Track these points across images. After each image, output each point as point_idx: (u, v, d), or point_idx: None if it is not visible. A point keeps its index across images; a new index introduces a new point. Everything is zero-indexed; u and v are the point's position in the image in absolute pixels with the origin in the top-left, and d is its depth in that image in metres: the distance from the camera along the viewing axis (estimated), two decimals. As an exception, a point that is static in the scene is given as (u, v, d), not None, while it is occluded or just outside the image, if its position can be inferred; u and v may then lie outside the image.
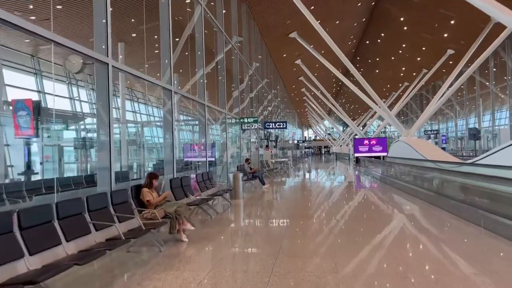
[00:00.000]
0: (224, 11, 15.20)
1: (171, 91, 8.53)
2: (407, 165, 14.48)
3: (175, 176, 8.20)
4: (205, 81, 11.52)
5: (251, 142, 19.96)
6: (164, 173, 8.39)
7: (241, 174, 10.75)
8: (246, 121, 14.79)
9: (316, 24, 17.95)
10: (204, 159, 11.34)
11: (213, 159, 14.28)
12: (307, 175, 21.89)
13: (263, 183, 13.42)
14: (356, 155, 27.95)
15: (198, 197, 8.08)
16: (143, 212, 5.77)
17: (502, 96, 27.34)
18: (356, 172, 23.12)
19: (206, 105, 11.25)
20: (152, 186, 6.10)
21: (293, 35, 23.72)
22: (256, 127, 19.83)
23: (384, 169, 17.69)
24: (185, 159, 13.39)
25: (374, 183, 15.91)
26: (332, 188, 15.57)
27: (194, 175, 9.00)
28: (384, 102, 46.14)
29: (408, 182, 12.48)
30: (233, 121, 14.87)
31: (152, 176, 6.22)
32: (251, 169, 13.66)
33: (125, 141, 14.82)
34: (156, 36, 9.74)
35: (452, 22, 23.99)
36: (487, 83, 27.85)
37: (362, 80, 18.87)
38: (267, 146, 22.29)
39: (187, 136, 20.41)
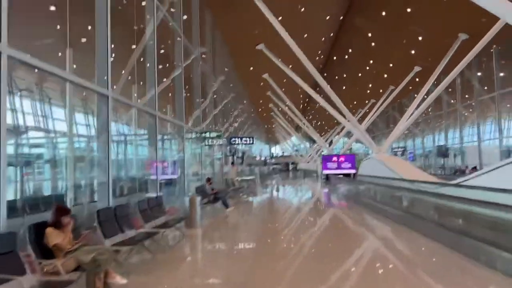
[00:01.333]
0: (185, 17, 13.81)
1: (107, 96, 6.90)
2: (380, 185, 13.43)
3: (110, 204, 6.53)
4: (157, 91, 9.98)
5: (215, 159, 18.39)
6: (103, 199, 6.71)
7: (199, 198, 9.17)
8: (208, 135, 13.29)
9: (284, 33, 16.87)
10: (158, 178, 9.71)
11: (171, 177, 12.62)
12: (275, 194, 20.54)
13: (227, 206, 11.88)
14: (325, 172, 26.96)
15: (140, 231, 6.44)
16: (42, 264, 4.02)
17: (466, 113, 27.37)
18: (326, 190, 22.02)
19: (158, 116, 9.68)
20: (62, 225, 4.41)
21: (260, 47, 22.57)
22: (220, 142, 18.33)
23: (356, 188, 16.62)
24: (140, 178, 11.70)
25: (345, 203, 14.82)
26: (301, 209, 14.28)
27: (138, 201, 7.31)
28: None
29: (382, 203, 11.42)
30: (194, 135, 13.33)
31: (59, 211, 4.40)
32: (213, 190, 12.08)
33: (71, 157, 12.88)
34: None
35: (420, 38, 23.76)
36: (453, 101, 27.84)
37: (333, 94, 17.90)
38: (232, 163, 20.78)
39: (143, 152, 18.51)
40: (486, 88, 23.68)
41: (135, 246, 5.67)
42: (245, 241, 8.21)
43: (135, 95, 12.27)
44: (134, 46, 10.32)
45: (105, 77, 6.97)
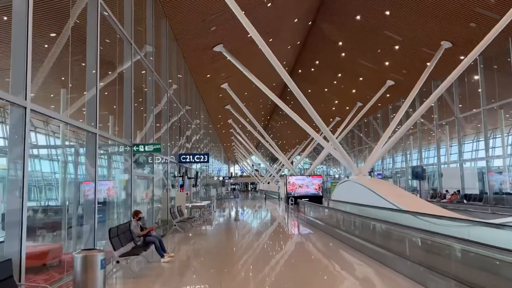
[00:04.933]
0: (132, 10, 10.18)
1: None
2: (366, 217, 10.24)
3: None
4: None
5: (157, 181, 14.47)
6: None
7: (101, 256, 5.28)
8: (142, 149, 9.51)
9: (250, 28, 13.59)
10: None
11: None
12: (233, 224, 16.87)
13: (163, 252, 8.09)
14: (294, 195, 23.68)
15: None
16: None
17: (443, 131, 25.30)
18: (294, 217, 18.62)
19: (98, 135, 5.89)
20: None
21: (219, 48, 19.23)
22: (164, 160, 14.48)
23: (330, 217, 13.40)
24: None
25: (317, 235, 11.64)
26: (266, 244, 10.80)
27: None
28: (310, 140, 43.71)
29: (365, 239, 8.35)
30: (121, 149, 9.50)
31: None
32: (142, 229, 8.25)
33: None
34: None
35: (397, 47, 21.45)
36: (433, 115, 25.75)
37: (308, 106, 14.74)
38: (181, 185, 16.90)
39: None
40: (468, 103, 21.64)
41: None
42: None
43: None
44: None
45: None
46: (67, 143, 9.68)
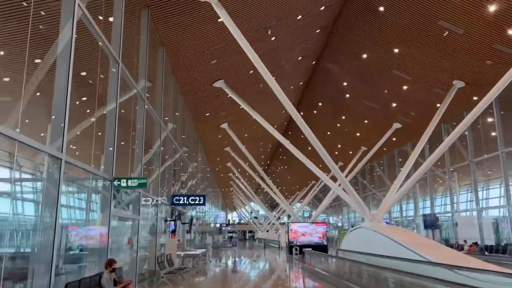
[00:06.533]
0: (111, 19, 9.11)
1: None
2: (389, 269, 8.48)
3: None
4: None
5: (145, 225, 12.73)
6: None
7: None
8: (124, 184, 7.96)
9: (257, 61, 12.51)
10: None
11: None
12: (231, 276, 14.88)
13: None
14: (296, 243, 21.69)
15: None
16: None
17: (456, 177, 23.77)
18: (299, 270, 16.59)
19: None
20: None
21: (219, 84, 18.21)
22: (155, 201, 12.85)
23: (342, 269, 11.55)
24: None
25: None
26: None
27: None
28: (310, 188, 41.58)
29: None
30: (99, 184, 7.95)
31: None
32: (117, 283, 6.50)
33: None
34: None
35: (405, 87, 20.51)
36: (442, 167, 24.32)
37: (316, 141, 13.38)
38: (173, 231, 15.08)
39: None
40: (484, 147, 20.30)
41: None
42: None
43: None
44: None
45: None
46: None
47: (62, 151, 5.69)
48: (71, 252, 10.68)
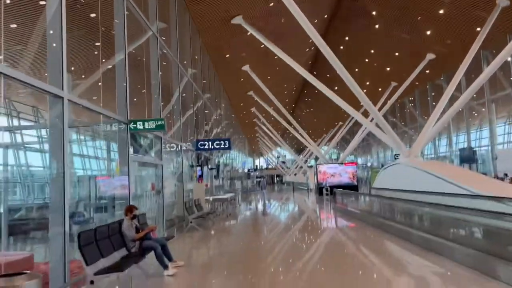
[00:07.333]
0: None
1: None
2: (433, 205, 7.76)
3: None
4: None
5: (169, 170, 12.38)
6: None
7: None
8: (141, 126, 7.37)
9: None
10: None
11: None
12: (261, 219, 14.67)
13: (166, 262, 5.92)
14: (326, 185, 21.23)
15: None
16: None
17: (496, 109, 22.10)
18: (331, 211, 16.21)
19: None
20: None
21: (237, 20, 16.92)
22: (179, 147, 12.37)
23: (379, 207, 10.95)
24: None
25: (367, 231, 9.22)
26: (303, 244, 8.49)
27: None
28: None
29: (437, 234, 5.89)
30: (114, 127, 7.38)
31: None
32: (138, 230, 6.11)
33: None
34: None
35: (442, 11, 18.51)
36: (481, 98, 22.56)
37: (346, 74, 12.26)
38: (200, 176, 14.77)
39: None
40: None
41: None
42: None
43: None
44: None
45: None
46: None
47: (62, 89, 5.02)
48: (100, 201, 10.53)
